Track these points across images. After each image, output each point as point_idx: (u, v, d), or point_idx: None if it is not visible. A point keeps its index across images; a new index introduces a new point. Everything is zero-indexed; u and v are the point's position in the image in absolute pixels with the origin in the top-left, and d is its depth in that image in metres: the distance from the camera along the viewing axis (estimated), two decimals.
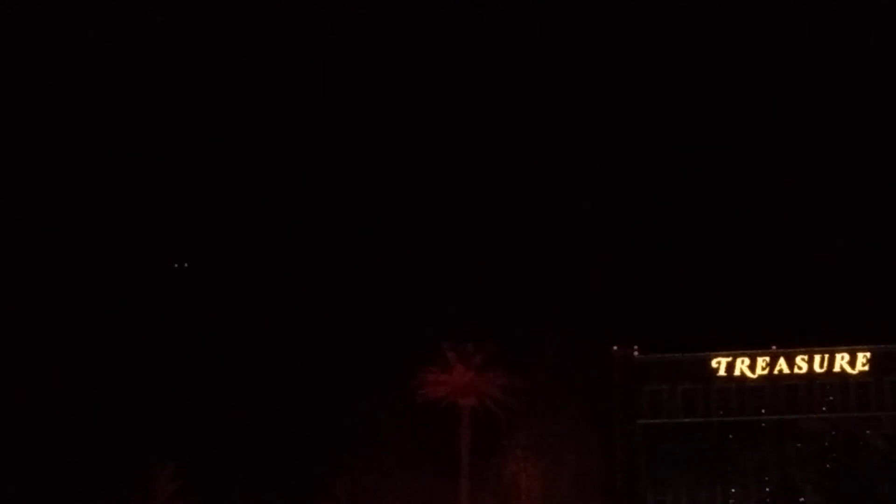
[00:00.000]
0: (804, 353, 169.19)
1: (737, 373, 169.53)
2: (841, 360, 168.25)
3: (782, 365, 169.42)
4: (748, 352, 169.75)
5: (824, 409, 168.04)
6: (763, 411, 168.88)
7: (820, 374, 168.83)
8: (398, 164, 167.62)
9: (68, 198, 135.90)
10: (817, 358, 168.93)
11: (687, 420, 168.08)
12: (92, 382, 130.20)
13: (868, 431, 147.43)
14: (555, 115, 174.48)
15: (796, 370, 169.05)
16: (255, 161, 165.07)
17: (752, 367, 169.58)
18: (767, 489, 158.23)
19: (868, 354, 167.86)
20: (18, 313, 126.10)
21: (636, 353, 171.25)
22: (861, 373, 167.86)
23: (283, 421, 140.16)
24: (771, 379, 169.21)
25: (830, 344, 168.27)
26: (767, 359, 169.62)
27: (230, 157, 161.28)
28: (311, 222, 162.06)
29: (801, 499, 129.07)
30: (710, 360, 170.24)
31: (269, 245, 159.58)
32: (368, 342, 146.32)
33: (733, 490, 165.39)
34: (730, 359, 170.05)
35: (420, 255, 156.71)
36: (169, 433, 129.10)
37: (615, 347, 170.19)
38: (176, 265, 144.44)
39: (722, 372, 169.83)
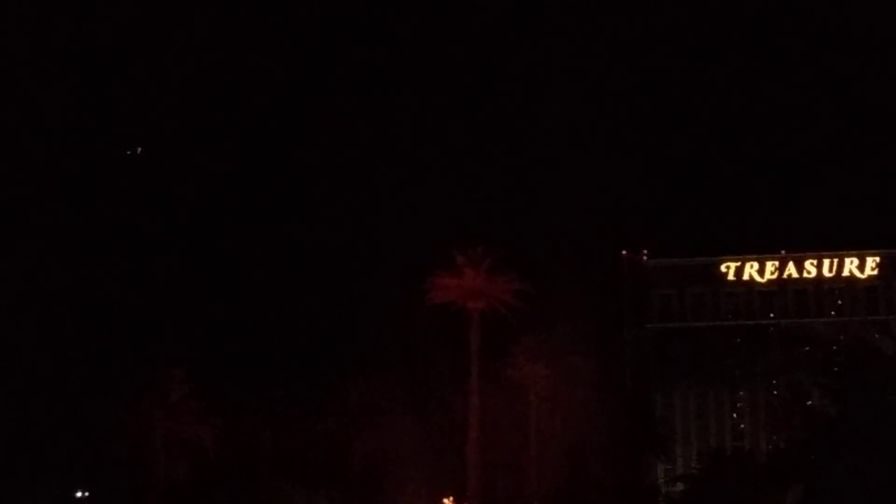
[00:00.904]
0: (813, 258, 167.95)
1: (746, 277, 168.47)
2: (850, 265, 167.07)
3: (791, 269, 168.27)
4: (757, 256, 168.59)
5: (833, 313, 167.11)
6: (772, 315, 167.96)
7: (829, 279, 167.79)
8: (404, 71, 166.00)
9: None
10: (826, 262, 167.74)
11: (696, 324, 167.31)
12: (103, 289, 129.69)
13: (877, 335, 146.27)
14: (563, 19, 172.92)
15: (805, 274, 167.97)
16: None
17: (762, 272, 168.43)
18: (775, 392, 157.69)
19: (877, 259, 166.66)
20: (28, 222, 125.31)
21: (645, 258, 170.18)
22: (870, 277, 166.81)
23: (293, 325, 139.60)
24: (780, 283, 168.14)
25: (839, 248, 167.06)
26: (776, 263, 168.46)
27: None
28: (325, 127, 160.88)
29: (809, 402, 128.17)
30: (720, 264, 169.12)
31: (279, 156, 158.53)
32: (378, 247, 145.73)
33: (741, 393, 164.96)
34: (739, 263, 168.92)
35: (430, 160, 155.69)
36: (179, 338, 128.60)
37: (624, 252, 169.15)
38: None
39: (731, 276, 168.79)
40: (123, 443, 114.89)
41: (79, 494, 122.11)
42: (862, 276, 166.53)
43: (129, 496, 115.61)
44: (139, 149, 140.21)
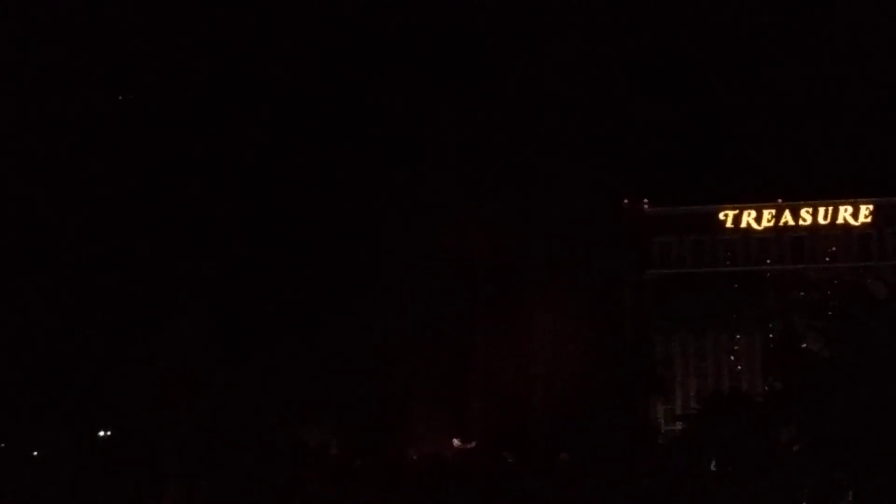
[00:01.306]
0: (809, 206, 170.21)
1: (743, 225, 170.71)
2: (844, 213, 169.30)
3: (787, 217, 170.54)
4: (755, 204, 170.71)
5: (827, 259, 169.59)
6: (768, 261, 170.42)
7: (824, 226, 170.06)
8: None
9: None
10: (821, 210, 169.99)
11: (694, 270, 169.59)
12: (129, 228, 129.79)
13: (869, 280, 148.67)
14: None
15: (801, 222, 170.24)
16: None
17: (759, 220, 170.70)
18: (771, 336, 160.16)
19: (870, 206, 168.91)
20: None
21: (646, 206, 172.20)
22: (864, 224, 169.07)
23: (311, 266, 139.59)
24: (776, 230, 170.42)
25: (834, 197, 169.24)
26: (773, 211, 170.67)
27: None
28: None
29: (804, 345, 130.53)
30: (718, 212, 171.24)
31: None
32: (390, 193, 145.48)
33: (738, 337, 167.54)
34: (737, 211, 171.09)
35: (436, 110, 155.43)
36: (202, 277, 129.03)
37: (625, 200, 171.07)
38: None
39: (729, 224, 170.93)
40: (143, 383, 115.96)
41: (101, 433, 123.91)
42: (856, 224, 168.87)
43: (149, 436, 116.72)
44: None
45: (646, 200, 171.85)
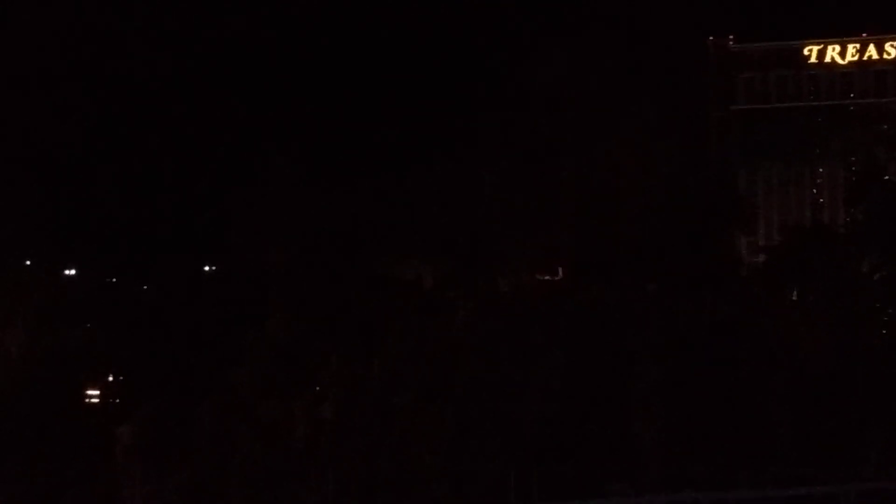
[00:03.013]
0: (893, 40, 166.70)
1: (828, 59, 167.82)
2: None
3: (872, 51, 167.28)
4: (839, 39, 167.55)
5: None
6: (852, 95, 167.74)
7: None
8: None
9: None
10: None
11: (779, 105, 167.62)
12: None
13: None
14: None
15: (885, 56, 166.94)
16: None
17: (843, 54, 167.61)
18: (853, 168, 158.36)
19: None
20: None
21: (731, 43, 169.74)
22: None
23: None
24: (860, 65, 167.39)
25: None
26: (857, 45, 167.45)
27: None
28: None
29: (886, 177, 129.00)
30: (803, 47, 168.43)
31: None
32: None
33: (821, 169, 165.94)
34: (821, 46, 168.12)
35: None
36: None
37: (711, 37, 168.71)
38: None
39: (813, 59, 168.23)
40: (246, 219, 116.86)
41: (207, 268, 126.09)
42: None
43: (251, 271, 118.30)
44: None
45: (731, 37, 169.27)
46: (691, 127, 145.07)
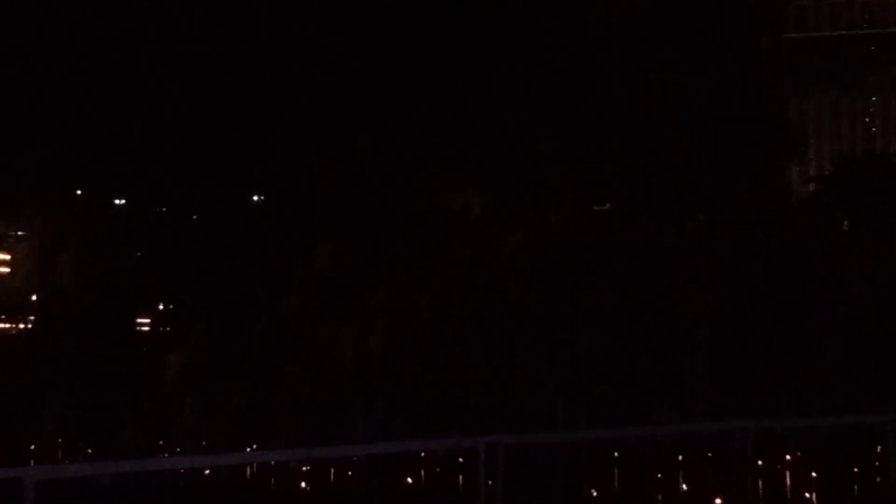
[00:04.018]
0: None
1: None
2: None
3: None
4: None
5: None
6: None
7: None
8: None
9: None
10: None
11: (831, 33, 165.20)
12: None
13: None
14: None
15: None
16: None
17: None
18: None
19: None
20: None
21: None
22: None
23: None
24: None
25: None
26: None
27: None
28: None
29: None
30: None
31: None
32: None
33: (874, 99, 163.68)
34: None
35: None
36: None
37: None
38: None
39: None
40: (293, 146, 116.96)
41: (255, 198, 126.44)
42: None
43: (298, 201, 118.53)
44: None
45: None
46: (742, 56, 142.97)
